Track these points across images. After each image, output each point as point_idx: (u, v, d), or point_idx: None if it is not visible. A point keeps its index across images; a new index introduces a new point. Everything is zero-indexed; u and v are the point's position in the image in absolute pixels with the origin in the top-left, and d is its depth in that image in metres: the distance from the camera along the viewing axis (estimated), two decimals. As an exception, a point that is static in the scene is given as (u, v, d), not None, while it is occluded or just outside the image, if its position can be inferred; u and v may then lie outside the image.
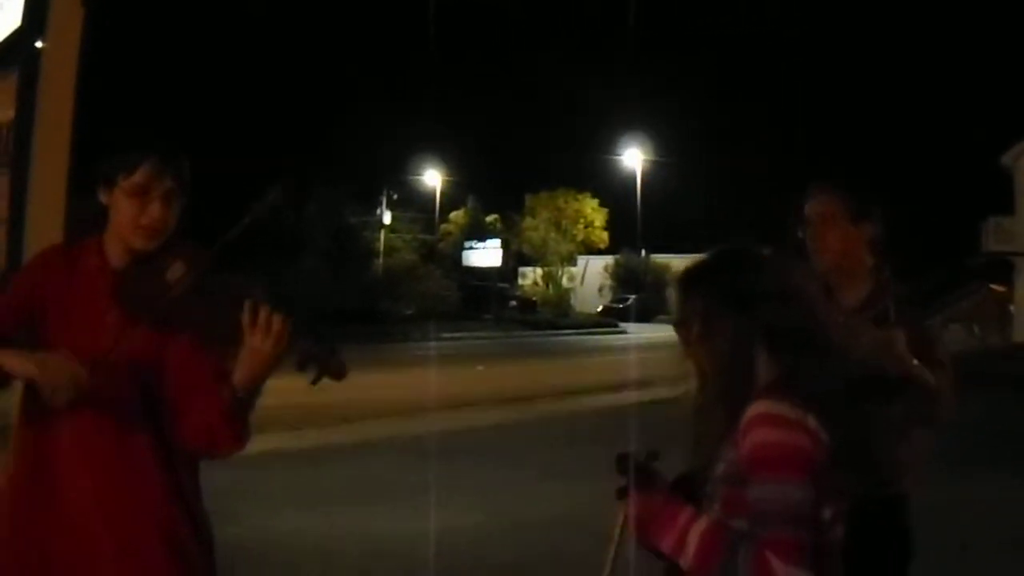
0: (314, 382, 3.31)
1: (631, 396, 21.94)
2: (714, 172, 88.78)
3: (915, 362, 4.17)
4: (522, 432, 17.46)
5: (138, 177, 3.51)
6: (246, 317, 3.26)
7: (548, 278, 68.83)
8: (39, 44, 5.07)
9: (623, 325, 62.38)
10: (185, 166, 3.62)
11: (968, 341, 4.75)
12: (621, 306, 73.25)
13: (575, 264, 72.23)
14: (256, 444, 3.55)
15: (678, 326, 3.06)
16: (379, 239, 62.65)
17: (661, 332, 50.42)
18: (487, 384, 25.48)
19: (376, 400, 16.78)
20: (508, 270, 72.92)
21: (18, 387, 3.48)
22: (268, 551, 8.66)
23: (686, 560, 2.81)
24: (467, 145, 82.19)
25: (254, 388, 3.38)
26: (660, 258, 80.00)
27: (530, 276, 72.79)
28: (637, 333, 54.24)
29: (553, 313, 63.32)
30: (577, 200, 68.92)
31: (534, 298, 68.90)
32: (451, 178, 77.87)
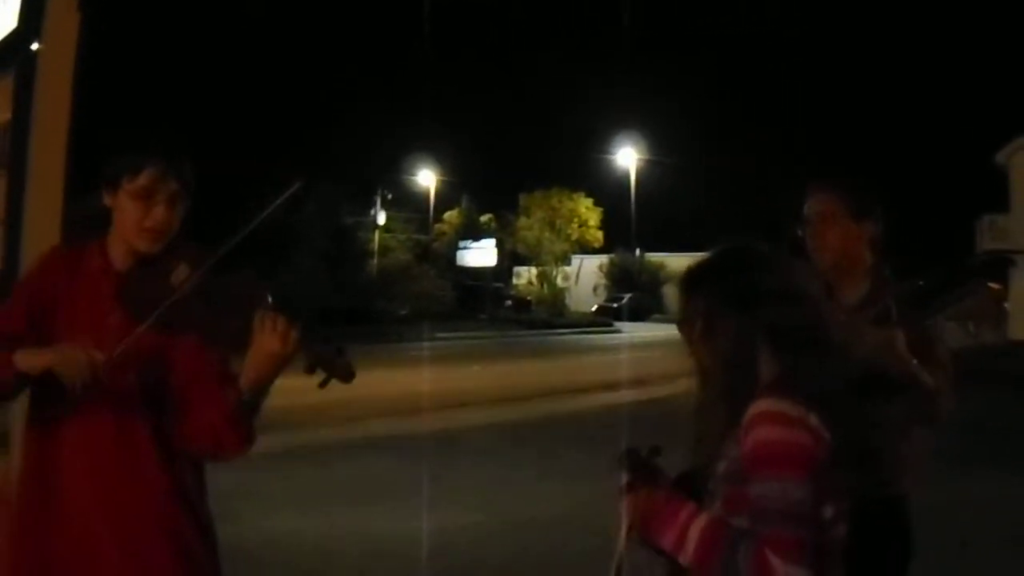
0: (322, 385, 3.32)
1: (627, 395, 22.00)
2: (709, 171, 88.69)
3: (914, 362, 4.17)
4: (519, 432, 17.47)
5: (143, 180, 3.51)
6: (255, 320, 3.26)
7: (543, 277, 68.81)
8: (35, 46, 5.06)
9: (618, 324, 62.36)
10: (189, 168, 3.62)
11: (964, 339, 4.75)
12: (616, 305, 73.22)
13: (569, 263, 72.17)
14: (254, 445, 3.55)
15: (681, 325, 3.06)
16: (374, 239, 62.63)
17: (656, 331, 50.66)
18: (483, 384, 25.47)
19: (373, 400, 16.76)
20: (503, 270, 72.94)
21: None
22: (267, 551, 8.66)
23: (686, 557, 2.82)
24: (461, 145, 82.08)
25: (260, 391, 3.38)
26: (654, 257, 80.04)
27: (525, 275, 72.78)
28: (632, 332, 54.30)
29: (548, 312, 63.32)
30: (571, 199, 68.86)
31: (529, 297, 68.90)
32: (445, 178, 77.89)
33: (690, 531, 2.82)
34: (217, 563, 3.72)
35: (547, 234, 67.28)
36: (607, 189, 72.42)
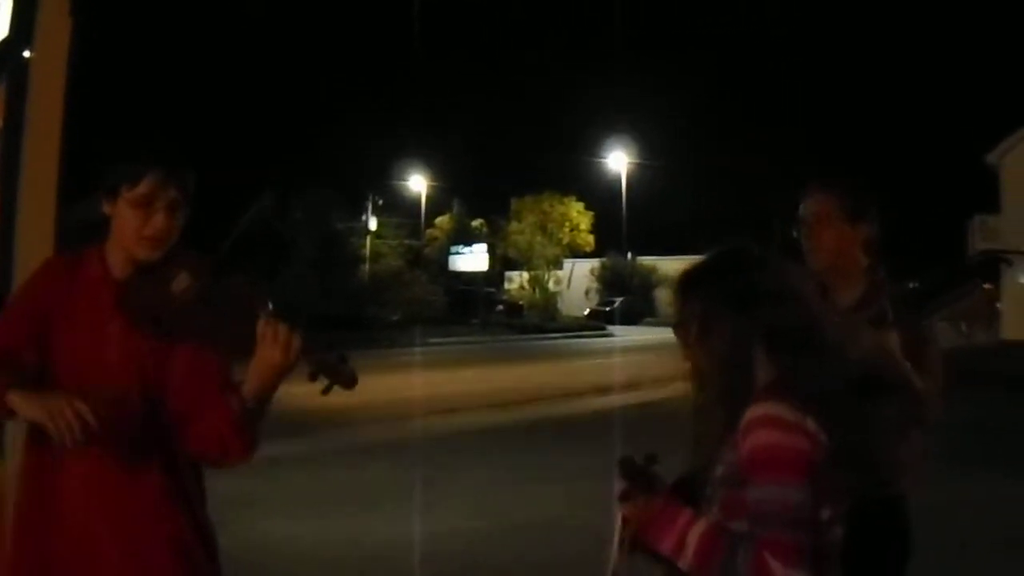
0: (325, 392, 3.32)
1: (620, 399, 22.00)
2: (700, 174, 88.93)
3: (907, 364, 4.18)
4: (512, 436, 17.47)
5: (142, 188, 3.49)
6: (258, 327, 3.26)
7: (534, 282, 68.75)
8: (27, 54, 5.05)
9: (610, 328, 62.36)
10: (189, 176, 3.60)
11: (956, 339, 4.76)
12: (608, 309, 73.27)
13: (561, 267, 72.11)
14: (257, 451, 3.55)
15: (677, 328, 3.06)
16: (365, 245, 62.60)
17: (648, 335, 50.60)
18: (476, 388, 25.46)
19: (366, 406, 16.74)
20: (494, 274, 72.84)
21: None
22: (263, 558, 8.64)
23: (685, 562, 2.83)
24: (452, 150, 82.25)
25: (264, 398, 3.38)
26: (646, 260, 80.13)
27: (516, 280, 72.68)
28: (624, 336, 54.29)
29: (540, 317, 63.27)
30: (562, 203, 68.84)
31: (521, 302, 68.83)
32: (436, 183, 77.96)
33: (689, 536, 2.82)
34: (218, 567, 3.72)
35: (539, 238, 67.23)
36: (598, 193, 72.54)
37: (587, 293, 78.65)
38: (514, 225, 68.47)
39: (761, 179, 71.72)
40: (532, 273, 68.67)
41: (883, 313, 4.13)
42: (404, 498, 11.49)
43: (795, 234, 4.65)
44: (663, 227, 78.94)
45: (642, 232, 76.87)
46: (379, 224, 64.64)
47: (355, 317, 47.25)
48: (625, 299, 75.14)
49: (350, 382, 3.31)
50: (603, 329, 61.87)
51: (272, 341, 3.26)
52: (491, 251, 68.66)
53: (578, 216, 69.18)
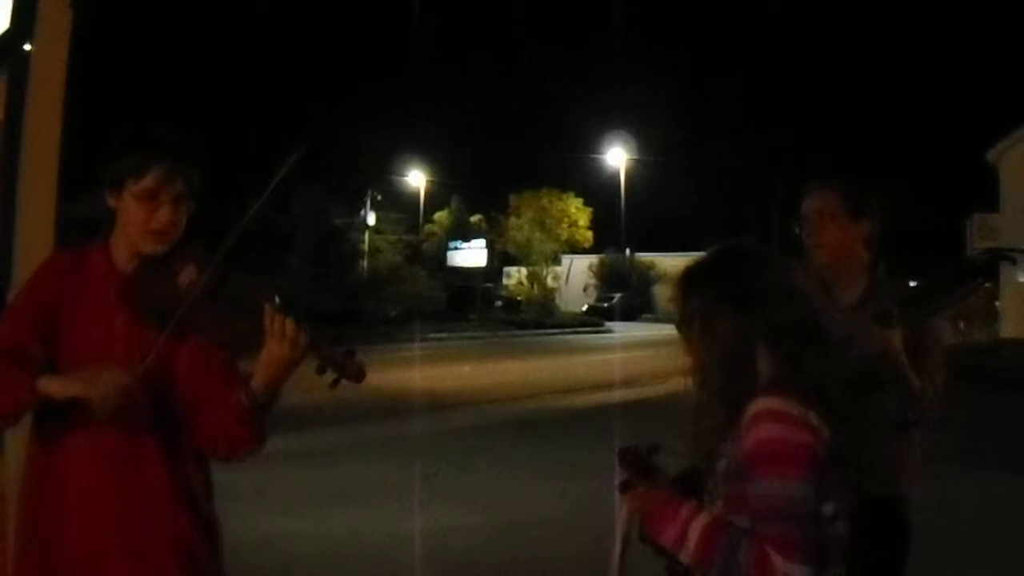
0: (333, 385, 3.32)
1: (618, 394, 21.99)
2: (698, 171, 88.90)
3: (905, 362, 4.18)
4: (511, 432, 17.45)
5: (148, 181, 3.49)
6: (266, 322, 3.25)
7: (533, 278, 68.65)
8: (27, 47, 5.04)
9: (608, 324, 62.38)
10: (195, 169, 3.60)
11: (954, 336, 4.76)
12: (606, 305, 73.30)
13: (560, 263, 72.09)
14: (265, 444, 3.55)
15: (680, 324, 3.06)
16: (363, 240, 62.55)
17: (646, 331, 50.55)
18: (474, 384, 25.45)
19: (364, 401, 16.73)
20: (493, 270, 72.83)
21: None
22: (261, 553, 8.63)
23: (687, 555, 2.84)
24: (451, 145, 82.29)
25: (272, 392, 3.39)
26: (644, 257, 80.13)
27: (515, 276, 72.58)
28: (622, 332, 54.33)
29: (538, 312, 63.16)
30: (561, 199, 68.77)
31: (519, 298, 68.74)
32: (435, 178, 77.92)
33: (690, 529, 2.83)
34: (221, 565, 3.72)
35: (537, 234, 67.15)
36: (597, 189, 72.51)
37: (585, 289, 78.65)
38: (513, 221, 68.40)
39: (759, 176, 71.80)
40: (530, 269, 68.59)
41: (887, 310, 4.13)
42: (403, 494, 11.49)
43: (797, 231, 4.66)
44: (662, 223, 79.16)
45: (641, 228, 77.05)
46: (377, 219, 64.55)
47: (353, 312, 47.20)
48: (623, 295, 75.13)
49: (358, 375, 3.31)
50: (601, 325, 61.85)
51: (280, 335, 3.26)
52: (490, 247, 68.62)
53: (577, 212, 69.13)
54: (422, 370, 27.36)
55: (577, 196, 69.50)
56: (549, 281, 69.19)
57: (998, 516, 10.55)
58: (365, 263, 61.42)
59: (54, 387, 3.31)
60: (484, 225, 70.36)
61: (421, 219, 75.39)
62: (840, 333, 3.16)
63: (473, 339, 48.20)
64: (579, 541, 9.45)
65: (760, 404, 2.80)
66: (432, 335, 45.92)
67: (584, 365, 32.87)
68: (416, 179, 77.69)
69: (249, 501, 10.30)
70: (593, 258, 78.92)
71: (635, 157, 74.27)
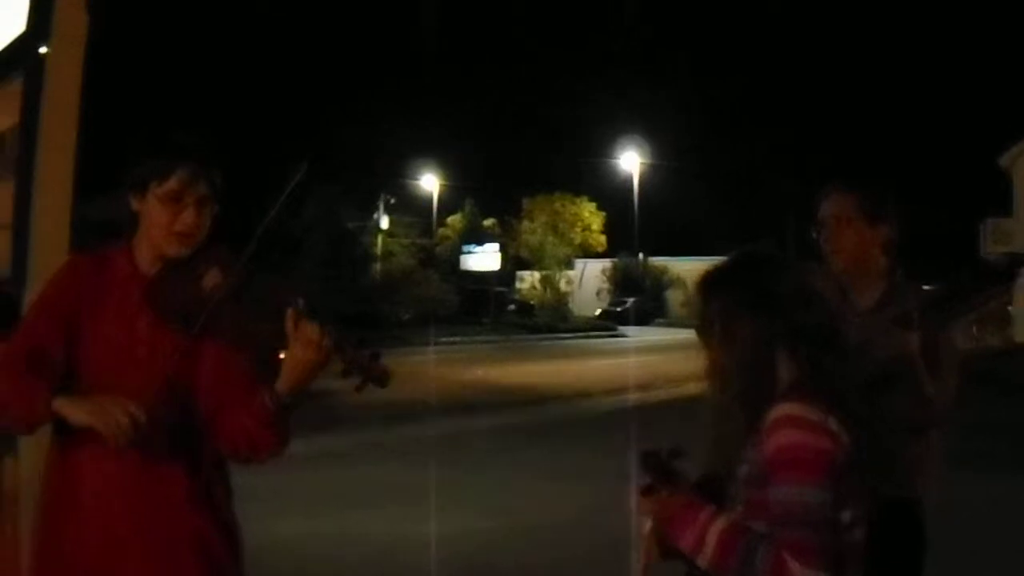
0: (359, 389, 3.31)
1: (632, 399, 21.98)
2: (712, 175, 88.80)
3: (922, 367, 4.18)
4: (524, 435, 17.47)
5: (172, 183, 3.49)
6: (288, 325, 3.25)
7: (546, 282, 68.59)
8: (43, 49, 5.04)
9: (621, 328, 62.33)
10: (218, 171, 3.60)
11: (967, 342, 4.75)
12: (619, 309, 73.17)
13: (573, 268, 72.03)
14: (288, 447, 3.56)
15: (699, 329, 3.06)
16: (377, 244, 62.53)
17: (659, 335, 50.48)
18: (488, 388, 25.46)
19: (377, 404, 16.73)
20: (506, 274, 72.77)
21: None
22: (276, 556, 8.62)
23: (705, 559, 2.83)
24: (464, 149, 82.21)
25: (296, 395, 3.38)
26: (657, 261, 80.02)
27: (528, 280, 72.51)
28: (636, 336, 54.30)
29: (551, 317, 63.12)
30: (574, 203, 68.73)
31: (532, 302, 68.69)
32: (448, 182, 77.92)
33: (709, 534, 2.83)
34: (241, 568, 3.71)
35: (550, 238, 67.13)
36: (610, 193, 72.44)
37: (598, 293, 78.53)
38: (526, 225, 68.40)
39: (773, 181, 71.74)
40: (543, 273, 68.56)
41: (907, 314, 4.12)
42: (417, 498, 11.49)
43: (814, 235, 4.65)
44: (675, 228, 79.06)
45: (654, 233, 76.87)
46: (391, 223, 64.52)
47: (366, 316, 47.20)
48: (636, 300, 75.02)
49: (383, 379, 3.31)
50: (614, 330, 61.81)
51: (304, 338, 3.25)
52: (503, 251, 68.62)
53: (590, 216, 69.10)
54: (435, 373, 27.35)
55: (590, 200, 69.48)
56: (562, 285, 69.17)
57: (1011, 520, 10.52)
58: (378, 267, 61.40)
59: (68, 410, 3.31)
60: (497, 229, 70.34)
61: (434, 223, 75.39)
62: (857, 337, 3.16)
63: (486, 343, 48.21)
64: (592, 545, 9.46)
65: (780, 410, 2.80)
66: (445, 339, 45.92)
67: (597, 369, 32.85)
68: (429, 183, 77.71)
69: (264, 503, 10.30)
70: (606, 262, 78.79)
71: (648, 161, 74.26)
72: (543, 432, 18.06)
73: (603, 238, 69.86)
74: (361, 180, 59.68)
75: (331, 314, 3.34)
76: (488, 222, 71.56)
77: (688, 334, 3.12)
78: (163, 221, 3.50)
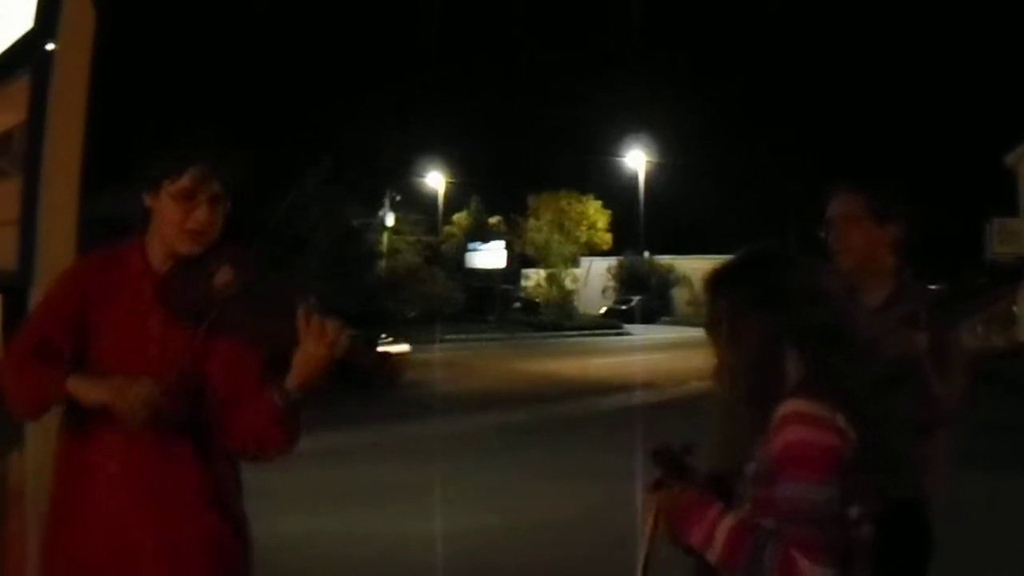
0: (368, 384, 3.33)
1: (637, 397, 21.99)
2: (717, 174, 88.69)
3: (929, 366, 4.18)
4: (530, 433, 17.49)
5: (185, 181, 3.49)
6: (300, 322, 3.25)
7: (552, 280, 68.63)
8: (51, 46, 5.04)
9: (627, 327, 62.42)
10: (231, 170, 3.60)
11: (972, 341, 4.75)
12: (625, 308, 73.23)
13: (578, 266, 72.06)
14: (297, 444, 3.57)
15: (708, 327, 3.06)
16: (382, 241, 62.53)
17: (665, 333, 50.47)
18: (492, 385, 25.48)
19: (382, 402, 16.76)
20: (511, 272, 72.83)
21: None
22: (280, 553, 8.62)
23: (713, 555, 2.84)
24: (470, 147, 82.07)
25: (307, 392, 3.38)
26: (663, 259, 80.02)
27: (533, 278, 72.58)
28: (641, 334, 54.36)
29: (557, 315, 63.19)
30: (580, 201, 68.83)
31: (538, 300, 68.77)
32: (454, 180, 77.90)
33: (718, 530, 2.83)
34: (249, 564, 3.72)
35: (556, 236, 67.20)
36: (616, 191, 72.51)
37: (604, 291, 78.51)
38: (532, 222, 68.47)
39: (779, 179, 71.69)
40: (549, 271, 68.61)
41: (915, 314, 4.12)
42: (421, 495, 11.51)
43: (822, 235, 4.65)
44: (681, 226, 78.95)
45: (659, 231, 76.87)
46: (396, 220, 64.51)
47: (372, 313, 47.21)
48: (642, 298, 75.06)
49: (376, 366, 3.34)
50: (620, 328, 61.85)
51: (317, 336, 3.26)
52: (508, 248, 68.69)
53: (596, 214, 69.18)
54: (440, 371, 27.37)
55: (596, 198, 69.57)
56: (568, 283, 69.20)
57: (1018, 520, 10.51)
58: (383, 264, 61.42)
59: (83, 390, 3.33)
60: (503, 227, 70.40)
61: (440, 220, 75.39)
62: (867, 335, 3.16)
63: (492, 341, 48.29)
64: (596, 543, 9.46)
65: (788, 407, 2.80)
66: (450, 336, 45.95)
67: (602, 367, 32.87)
68: (435, 180, 77.70)
69: (267, 501, 10.29)
70: (612, 260, 78.79)
71: (654, 159, 74.31)
72: (548, 430, 18.08)
73: (609, 236, 69.95)
74: (367, 177, 59.71)
75: (336, 311, 3.35)
76: (494, 220, 71.61)
77: (694, 332, 3.14)
78: (176, 219, 3.51)
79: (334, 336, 3.26)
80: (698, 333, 3.13)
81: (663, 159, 75.36)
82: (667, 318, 71.19)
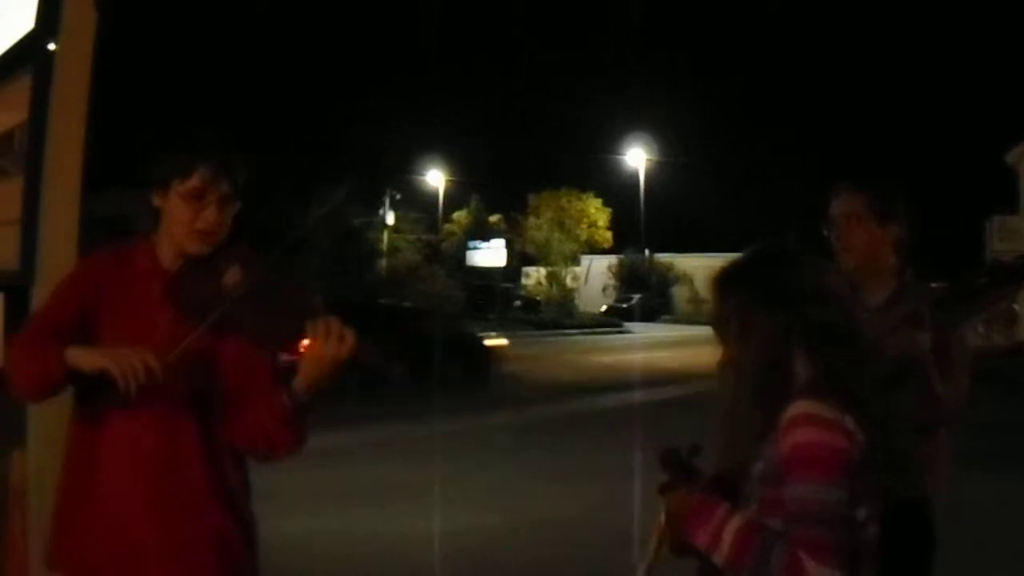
0: (376, 386, 3.34)
1: (637, 396, 21.99)
2: (718, 172, 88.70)
3: (933, 366, 4.19)
4: (530, 432, 17.47)
5: (194, 181, 3.49)
6: (310, 323, 3.25)
7: (552, 278, 68.56)
8: (52, 46, 5.04)
9: (627, 325, 62.35)
10: (240, 170, 3.60)
11: (973, 339, 4.75)
12: (625, 306, 73.16)
13: (579, 264, 72.02)
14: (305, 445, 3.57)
15: (715, 325, 3.06)
16: (382, 239, 62.55)
17: (665, 332, 50.41)
18: (492, 384, 25.48)
19: (382, 401, 16.76)
20: (512, 270, 72.81)
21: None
22: (281, 553, 8.60)
23: (720, 557, 2.83)
24: (470, 145, 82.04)
25: (316, 392, 3.38)
26: (664, 258, 79.99)
27: (534, 276, 72.52)
28: (641, 333, 54.31)
29: (557, 313, 63.11)
30: (581, 200, 68.76)
31: (538, 298, 68.69)
32: (454, 178, 77.88)
33: (724, 532, 2.83)
34: (257, 565, 3.72)
35: (556, 234, 67.14)
36: (616, 189, 72.45)
37: (604, 290, 78.48)
38: (532, 221, 68.40)
39: (779, 178, 71.71)
40: (549, 269, 68.55)
41: (917, 313, 4.13)
42: (421, 495, 11.51)
43: (825, 234, 4.65)
44: (681, 224, 78.92)
45: (660, 229, 76.81)
46: (396, 218, 64.55)
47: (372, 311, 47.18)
48: (642, 296, 75.01)
49: (396, 377, 3.32)
50: (620, 326, 61.81)
51: (326, 336, 3.26)
52: (509, 246, 68.65)
53: (596, 212, 69.13)
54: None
55: (596, 196, 69.49)
56: (568, 281, 69.13)
57: (1020, 520, 10.52)
58: (384, 262, 61.41)
59: (81, 358, 3.30)
60: (503, 225, 70.36)
61: (440, 218, 75.39)
62: (872, 334, 3.17)
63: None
64: (596, 542, 9.47)
65: (797, 408, 2.79)
66: (451, 334, 45.89)
67: (604, 366, 32.87)
68: (435, 178, 77.69)
69: (268, 501, 10.29)
70: (612, 259, 78.76)
71: (655, 158, 74.30)
72: (548, 428, 18.08)
73: (609, 234, 69.87)
74: (367, 176, 59.70)
75: (338, 310, 3.36)
76: (494, 218, 71.58)
77: (694, 330, 3.14)
78: (185, 219, 3.51)
79: (342, 335, 3.25)
80: (698, 331, 3.14)
81: (663, 157, 75.42)
82: (667, 316, 71.19)
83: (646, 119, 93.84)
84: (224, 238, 3.59)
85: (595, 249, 71.11)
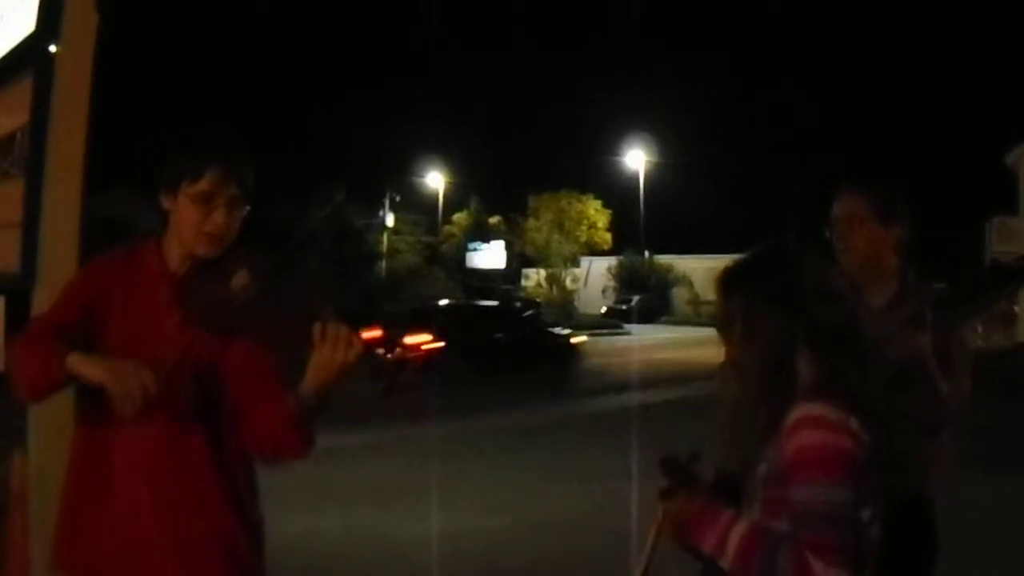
0: (385, 394, 3.33)
1: (636, 397, 21.98)
2: (717, 173, 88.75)
3: (935, 366, 4.19)
4: (530, 433, 17.46)
5: (204, 184, 3.49)
6: (317, 326, 3.26)
7: (552, 279, 68.67)
8: (53, 48, 5.05)
9: (627, 326, 62.32)
10: (249, 172, 3.61)
11: (972, 340, 4.76)
12: (625, 307, 73.15)
13: (578, 265, 72.07)
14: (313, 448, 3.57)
15: (720, 326, 3.05)
16: (382, 241, 62.61)
17: (665, 333, 50.38)
18: (493, 386, 25.46)
19: (383, 402, 16.75)
20: (511, 271, 72.88)
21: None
22: (282, 553, 8.58)
23: (726, 561, 2.83)
24: (470, 147, 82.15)
25: (323, 396, 3.37)
26: (663, 259, 79.98)
27: (533, 277, 72.59)
28: (641, 334, 54.27)
29: (557, 315, 63.04)
30: (580, 201, 68.86)
31: (538, 299, 68.80)
32: (454, 180, 77.98)
33: (730, 536, 2.82)
34: (263, 566, 3.73)
35: (556, 236, 67.23)
36: (616, 191, 72.58)
37: (604, 291, 78.47)
38: (531, 222, 68.49)
39: (779, 179, 71.71)
40: (549, 271, 68.64)
41: (919, 314, 4.13)
42: (421, 496, 11.50)
43: (827, 235, 4.66)
44: (681, 226, 78.95)
45: (659, 230, 76.88)
46: (396, 220, 64.65)
47: (371, 313, 47.17)
48: (642, 298, 74.98)
49: (408, 387, 3.33)
50: (620, 327, 61.79)
51: (334, 340, 3.25)
52: (508, 248, 68.76)
53: (595, 214, 69.21)
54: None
55: (596, 198, 69.60)
56: (568, 283, 69.21)
57: (1020, 520, 10.51)
58: (383, 264, 61.47)
59: (81, 366, 3.30)
60: (503, 227, 70.46)
61: (440, 220, 75.48)
62: (874, 335, 3.17)
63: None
64: (596, 543, 9.46)
65: (802, 410, 2.79)
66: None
67: (603, 367, 32.84)
68: (435, 180, 77.80)
69: (270, 500, 10.30)
70: (612, 260, 78.77)
71: (654, 159, 74.38)
72: (548, 430, 18.06)
73: (609, 236, 69.97)
74: (367, 178, 59.74)
75: (339, 312, 3.36)
76: (494, 220, 71.67)
77: (693, 331, 3.14)
78: (194, 221, 3.51)
79: (350, 339, 3.25)
80: (698, 332, 3.14)
81: (663, 159, 75.51)
82: (667, 318, 71.16)
83: (646, 120, 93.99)
84: (232, 241, 3.59)
85: (595, 250, 71.20)
